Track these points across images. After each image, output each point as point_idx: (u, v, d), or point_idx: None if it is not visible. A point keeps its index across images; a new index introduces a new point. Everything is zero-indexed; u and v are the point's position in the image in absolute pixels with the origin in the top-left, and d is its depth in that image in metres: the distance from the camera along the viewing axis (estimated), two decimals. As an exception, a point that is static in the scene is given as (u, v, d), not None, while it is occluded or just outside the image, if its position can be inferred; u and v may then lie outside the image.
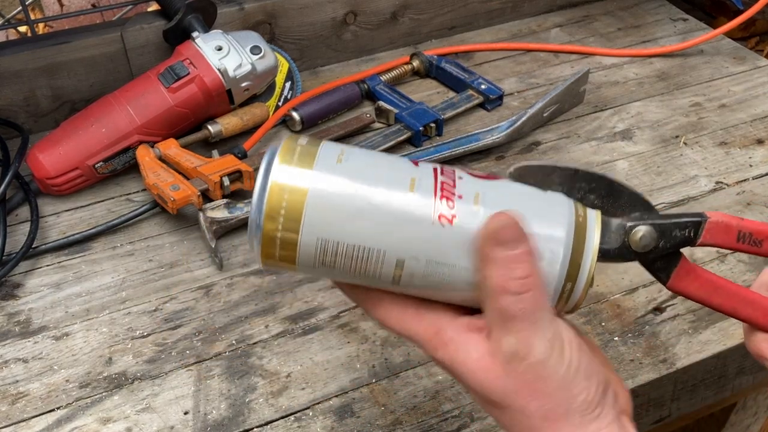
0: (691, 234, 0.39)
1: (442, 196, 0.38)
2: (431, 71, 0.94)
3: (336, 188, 0.37)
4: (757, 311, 0.40)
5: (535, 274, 0.38)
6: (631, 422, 0.40)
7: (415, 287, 0.39)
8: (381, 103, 0.86)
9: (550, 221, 0.38)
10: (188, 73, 0.77)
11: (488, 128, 0.83)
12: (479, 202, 0.38)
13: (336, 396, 0.58)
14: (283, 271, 0.39)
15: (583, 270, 0.38)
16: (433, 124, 0.84)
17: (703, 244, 0.39)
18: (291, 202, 0.37)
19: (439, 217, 0.37)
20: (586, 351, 0.39)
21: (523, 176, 0.40)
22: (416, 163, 0.39)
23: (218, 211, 0.71)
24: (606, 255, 0.40)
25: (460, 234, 0.37)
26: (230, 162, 0.74)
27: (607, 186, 0.40)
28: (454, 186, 0.38)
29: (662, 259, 0.40)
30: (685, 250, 0.41)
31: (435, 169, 0.39)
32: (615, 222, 0.40)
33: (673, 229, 0.39)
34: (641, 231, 0.39)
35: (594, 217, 0.39)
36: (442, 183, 0.38)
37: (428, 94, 0.92)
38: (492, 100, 0.89)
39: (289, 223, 0.37)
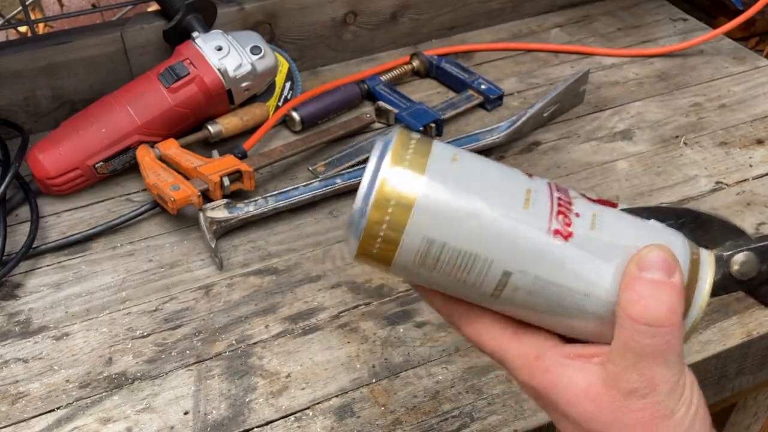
0: None
1: (558, 212, 0.36)
2: (431, 71, 0.94)
3: (450, 188, 0.35)
4: None
5: (679, 313, 0.35)
6: None
7: (514, 304, 0.37)
8: (381, 103, 0.86)
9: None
10: (188, 73, 0.77)
11: (488, 128, 0.83)
12: (596, 226, 0.36)
13: (336, 396, 0.58)
14: (374, 268, 0.38)
15: (693, 309, 0.37)
16: (433, 124, 0.84)
17: None
18: (401, 198, 0.35)
19: (555, 232, 0.36)
20: (703, 396, 0.37)
21: None
22: (530, 176, 0.38)
23: (218, 211, 0.71)
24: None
25: (575, 253, 0.36)
26: (230, 162, 0.74)
27: (694, 219, 0.39)
28: (571, 204, 0.37)
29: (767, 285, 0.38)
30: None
31: (549, 184, 0.38)
32: (713, 253, 0.38)
33: None
34: (740, 258, 0.38)
35: (707, 256, 0.38)
36: (559, 198, 0.37)
37: (428, 94, 0.92)
38: (492, 100, 0.89)
39: (397, 217, 0.35)
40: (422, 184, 0.35)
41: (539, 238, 0.35)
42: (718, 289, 0.38)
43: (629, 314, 0.35)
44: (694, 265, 0.37)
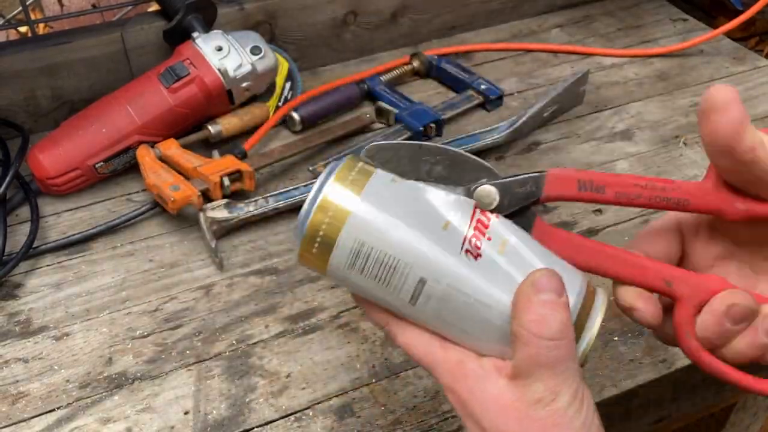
0: (533, 188, 0.41)
1: (473, 235, 0.40)
2: (431, 71, 0.94)
3: (381, 205, 0.40)
4: (623, 266, 0.42)
5: (570, 325, 0.39)
6: None
7: (429, 314, 0.41)
8: (381, 103, 0.86)
9: (568, 282, 0.40)
10: (188, 74, 0.77)
11: (488, 128, 0.83)
12: (504, 252, 0.40)
13: (336, 396, 0.58)
14: (315, 270, 0.42)
15: (586, 333, 0.40)
16: (433, 125, 0.84)
17: (548, 199, 0.41)
18: (339, 208, 0.40)
19: (466, 251, 0.40)
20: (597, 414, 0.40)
21: (377, 155, 0.42)
22: (467, 190, 0.43)
23: (218, 211, 0.71)
24: None
25: (481, 270, 0.40)
26: (230, 162, 0.74)
27: (450, 158, 0.42)
28: (487, 228, 0.41)
29: (515, 220, 0.42)
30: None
31: (475, 208, 0.42)
32: (460, 189, 0.42)
33: (514, 186, 0.41)
34: (484, 190, 0.41)
35: (602, 293, 0.42)
36: (479, 221, 0.41)
37: (428, 94, 0.92)
38: (492, 101, 0.89)
39: (334, 223, 0.40)
40: (358, 200, 0.40)
41: (451, 254, 0.40)
42: None
43: (533, 332, 0.38)
44: (590, 294, 0.41)
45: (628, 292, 0.43)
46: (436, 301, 0.40)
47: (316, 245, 0.41)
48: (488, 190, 0.41)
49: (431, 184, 0.42)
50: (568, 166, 0.80)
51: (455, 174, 0.42)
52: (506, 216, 0.42)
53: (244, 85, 0.80)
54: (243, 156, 0.78)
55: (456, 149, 0.43)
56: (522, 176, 0.41)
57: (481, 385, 0.40)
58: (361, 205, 0.40)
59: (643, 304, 0.43)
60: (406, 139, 0.83)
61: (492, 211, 0.42)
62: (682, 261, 0.46)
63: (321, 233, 0.40)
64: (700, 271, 0.44)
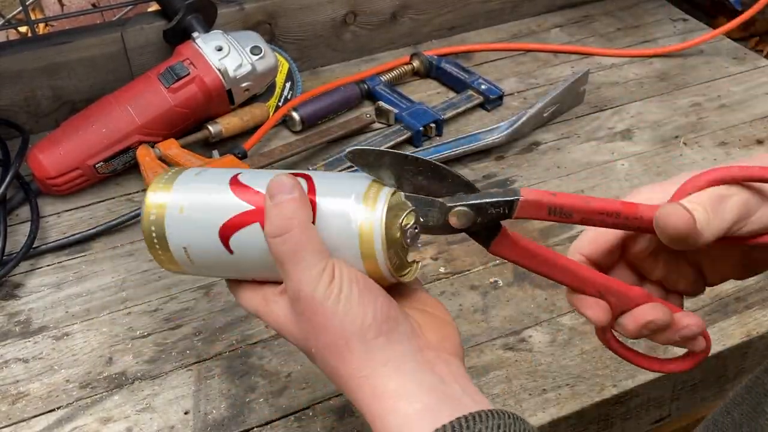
0: (506, 211, 0.43)
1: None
2: (431, 71, 0.94)
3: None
4: (567, 275, 0.45)
5: (298, 217, 0.40)
6: (458, 362, 0.42)
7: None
8: (381, 103, 0.86)
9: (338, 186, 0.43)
10: (188, 74, 0.77)
11: (488, 128, 0.83)
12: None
13: (336, 396, 0.58)
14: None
15: (375, 235, 0.42)
16: (433, 125, 0.84)
17: (518, 218, 0.44)
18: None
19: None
20: (366, 284, 0.41)
21: (357, 158, 0.43)
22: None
23: (218, 211, 0.71)
24: (430, 229, 0.44)
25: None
26: (230, 162, 0.74)
27: (432, 170, 0.44)
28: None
29: (484, 230, 0.44)
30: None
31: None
32: (439, 201, 0.43)
33: (488, 208, 0.43)
34: (459, 211, 0.43)
35: (386, 192, 0.43)
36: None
37: (428, 94, 0.92)
38: (492, 100, 0.89)
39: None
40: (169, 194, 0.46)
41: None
42: (438, 231, 0.44)
43: (266, 235, 0.41)
44: (368, 198, 0.43)
45: (575, 298, 0.46)
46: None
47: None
48: (462, 213, 0.43)
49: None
50: (569, 166, 0.80)
51: (435, 186, 0.44)
52: (477, 230, 0.44)
53: (244, 85, 0.80)
54: (243, 156, 0.78)
55: (438, 163, 0.44)
56: (496, 199, 0.43)
57: (275, 310, 0.43)
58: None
59: (590, 310, 0.45)
60: (405, 140, 0.83)
61: (460, 230, 0.44)
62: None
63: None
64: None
